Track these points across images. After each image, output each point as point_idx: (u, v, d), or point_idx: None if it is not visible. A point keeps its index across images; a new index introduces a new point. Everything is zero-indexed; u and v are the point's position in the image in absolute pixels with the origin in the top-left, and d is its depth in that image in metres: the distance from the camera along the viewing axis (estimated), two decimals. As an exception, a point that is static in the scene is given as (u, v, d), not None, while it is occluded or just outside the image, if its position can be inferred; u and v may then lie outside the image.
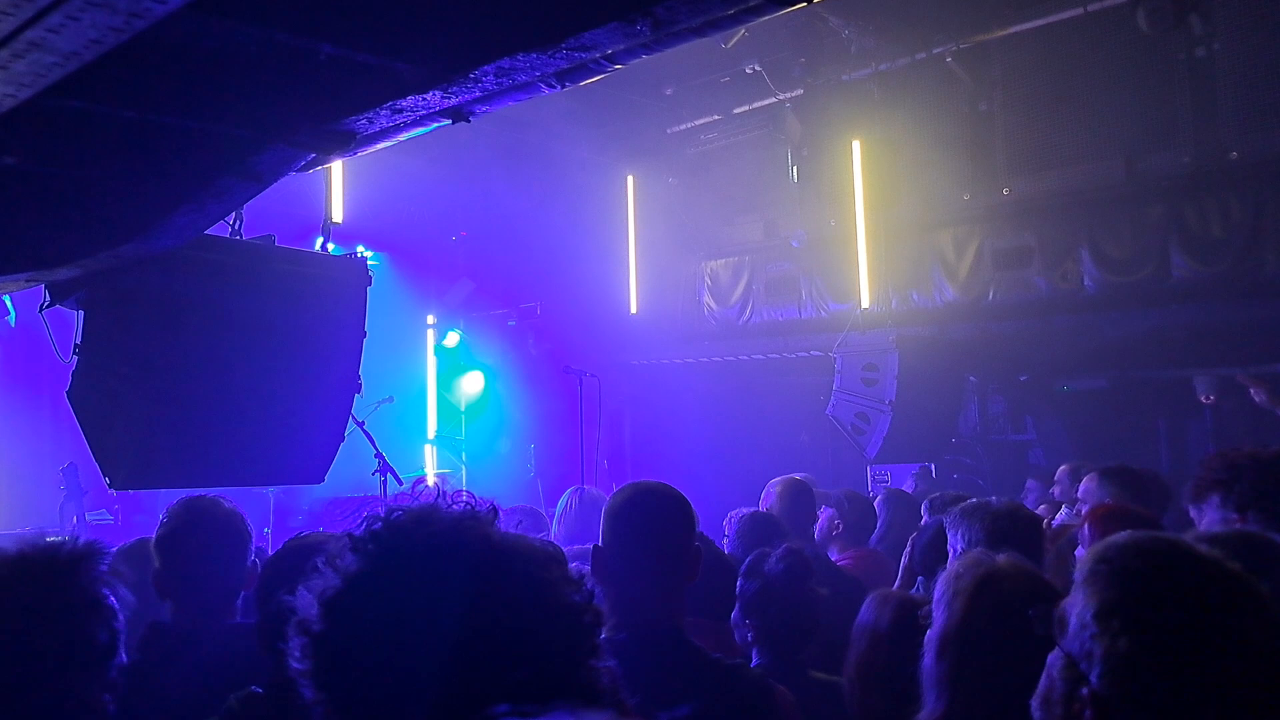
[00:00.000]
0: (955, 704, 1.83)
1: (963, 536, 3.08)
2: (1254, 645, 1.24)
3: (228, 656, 2.60)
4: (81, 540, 1.87)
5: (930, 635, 1.94)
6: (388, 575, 1.14)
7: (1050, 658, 1.39)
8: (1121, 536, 1.40)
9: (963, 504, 3.28)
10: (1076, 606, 1.33)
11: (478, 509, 1.21)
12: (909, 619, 2.60)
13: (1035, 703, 1.41)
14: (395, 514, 1.19)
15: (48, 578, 1.77)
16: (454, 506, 1.21)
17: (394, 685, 1.08)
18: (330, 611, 1.14)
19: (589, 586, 1.23)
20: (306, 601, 1.17)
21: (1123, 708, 1.26)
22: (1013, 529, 3.02)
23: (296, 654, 1.16)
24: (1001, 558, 2.00)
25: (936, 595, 1.97)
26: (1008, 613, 1.78)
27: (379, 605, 1.12)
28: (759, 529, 4.07)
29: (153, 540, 2.90)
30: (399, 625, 1.10)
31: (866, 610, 2.66)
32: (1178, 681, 1.23)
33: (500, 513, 1.23)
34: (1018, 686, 1.47)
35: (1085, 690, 1.29)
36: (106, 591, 1.83)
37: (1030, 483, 8.02)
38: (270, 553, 3.49)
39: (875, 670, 2.53)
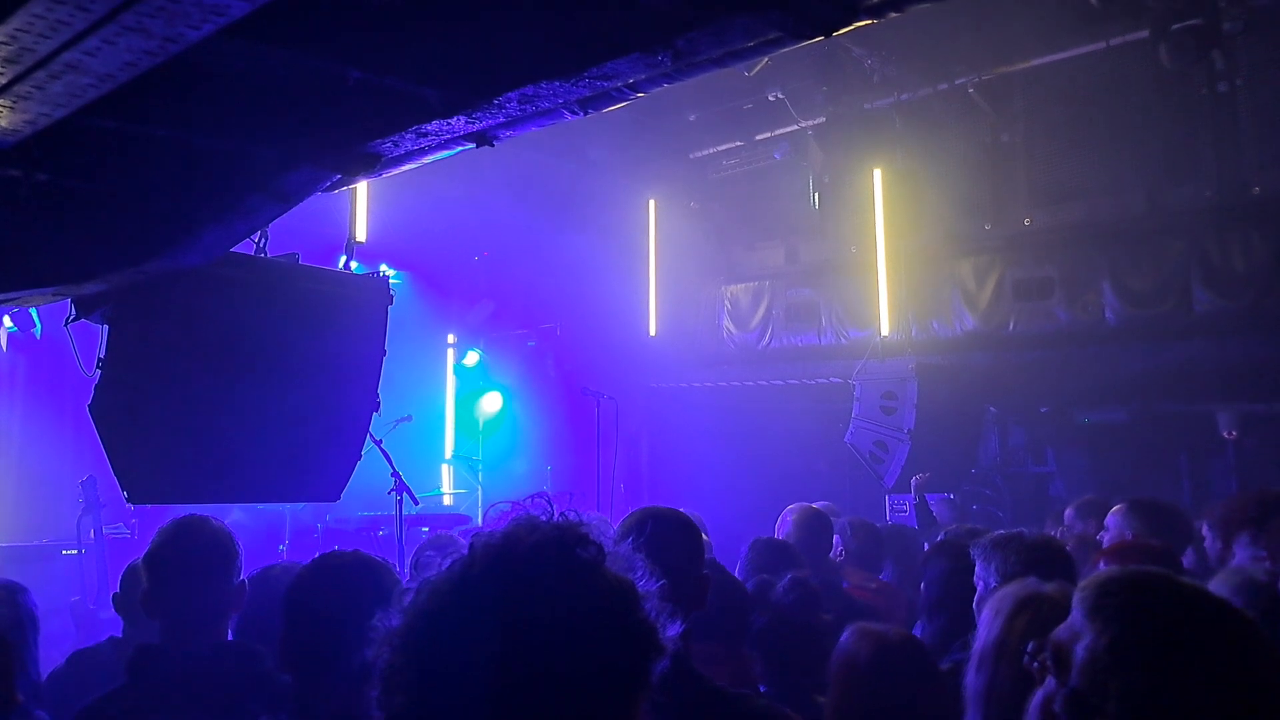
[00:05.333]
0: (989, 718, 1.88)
1: (997, 569, 3.03)
2: (1260, 680, 1.29)
3: (217, 676, 2.60)
4: None
5: (972, 650, 2.00)
6: (466, 587, 1.21)
7: (1043, 692, 1.40)
8: (1118, 570, 1.43)
9: (993, 536, 3.21)
10: (1085, 639, 1.33)
11: (564, 539, 1.25)
12: (889, 657, 2.60)
13: None
14: (487, 539, 1.25)
15: None
16: (543, 531, 1.26)
17: (453, 702, 1.15)
18: (410, 628, 1.21)
19: (658, 623, 1.27)
20: (401, 599, 1.25)
21: None
22: (1049, 560, 2.99)
23: (380, 663, 1.22)
24: (1051, 586, 2.04)
25: (983, 617, 2.02)
26: (1042, 632, 1.81)
27: (455, 613, 1.19)
28: (770, 556, 4.05)
29: (141, 560, 2.91)
30: (465, 645, 1.17)
31: (847, 642, 2.66)
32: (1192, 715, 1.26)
33: (592, 544, 1.26)
34: None
35: None
36: None
37: (1048, 521, 7.93)
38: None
39: (854, 709, 2.53)
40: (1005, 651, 1.91)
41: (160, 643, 2.75)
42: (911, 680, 2.54)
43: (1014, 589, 2.03)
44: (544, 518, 1.28)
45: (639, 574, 1.31)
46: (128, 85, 2.18)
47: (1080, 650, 1.34)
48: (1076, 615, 1.38)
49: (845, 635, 2.74)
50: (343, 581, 2.23)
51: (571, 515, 1.30)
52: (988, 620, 1.99)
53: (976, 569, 3.13)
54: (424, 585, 1.24)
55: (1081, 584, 1.44)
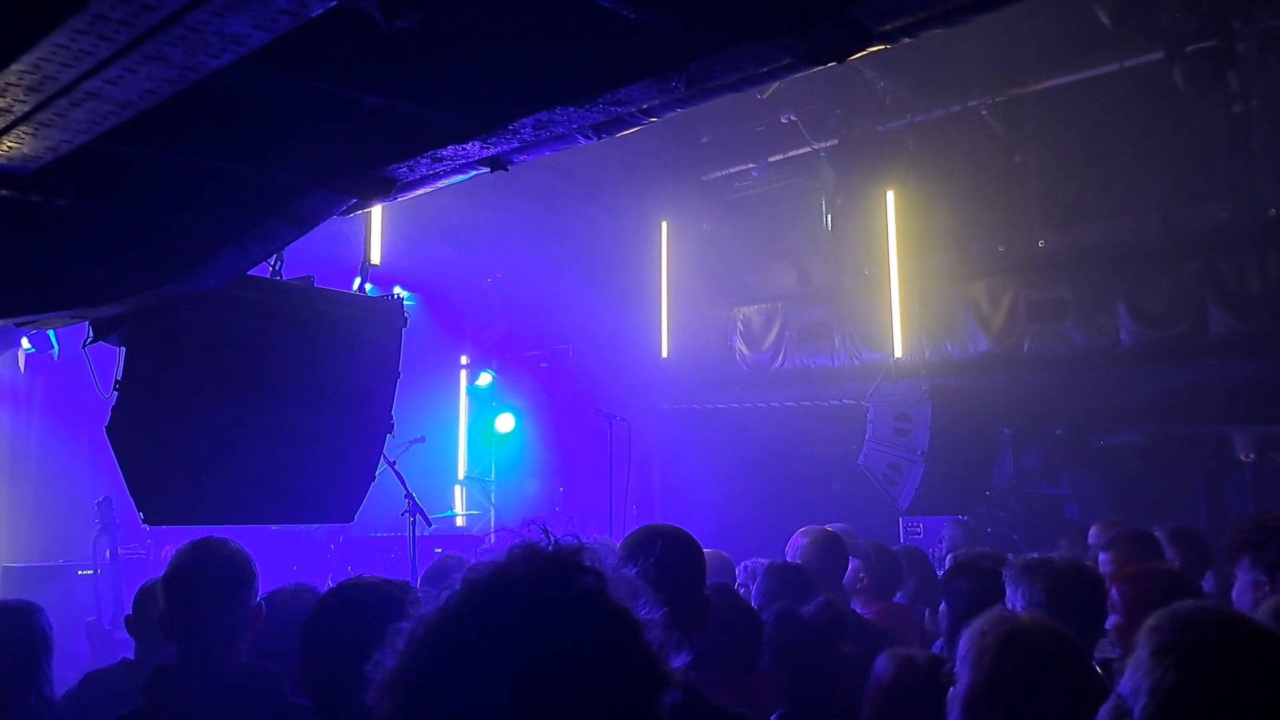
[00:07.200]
0: None
1: (1024, 595, 2.98)
2: None
3: (233, 697, 2.61)
4: None
5: (954, 693, 1.92)
6: (460, 624, 1.17)
7: (1101, 709, 1.43)
8: (1191, 604, 1.48)
9: (1024, 560, 3.16)
10: (1136, 651, 1.40)
11: (562, 567, 1.20)
12: (914, 677, 2.57)
13: None
14: (476, 571, 1.21)
15: None
16: (539, 560, 1.21)
17: None
18: (405, 671, 1.17)
19: (663, 652, 1.22)
20: (395, 640, 1.20)
21: None
22: (1077, 587, 2.95)
23: (380, 686, 1.18)
24: (1025, 615, 1.99)
25: (960, 653, 1.95)
26: (1034, 671, 1.77)
27: (450, 651, 1.15)
28: (787, 581, 4.03)
29: (159, 581, 2.93)
30: (462, 687, 1.12)
31: (878, 667, 2.64)
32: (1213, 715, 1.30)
33: (591, 571, 1.22)
34: None
35: None
36: None
37: (1061, 541, 7.88)
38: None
39: None
40: (997, 695, 1.84)
41: (178, 664, 2.76)
42: (938, 702, 2.51)
43: (991, 624, 1.94)
44: (543, 544, 1.22)
45: (643, 600, 1.24)
46: (146, 111, 2.21)
47: (1130, 663, 1.42)
48: (1140, 638, 1.45)
49: (878, 661, 2.71)
50: (364, 610, 2.22)
51: (571, 540, 1.24)
52: (972, 659, 1.91)
53: (1007, 592, 3.09)
54: (418, 624, 1.18)
55: (1162, 611, 1.48)
